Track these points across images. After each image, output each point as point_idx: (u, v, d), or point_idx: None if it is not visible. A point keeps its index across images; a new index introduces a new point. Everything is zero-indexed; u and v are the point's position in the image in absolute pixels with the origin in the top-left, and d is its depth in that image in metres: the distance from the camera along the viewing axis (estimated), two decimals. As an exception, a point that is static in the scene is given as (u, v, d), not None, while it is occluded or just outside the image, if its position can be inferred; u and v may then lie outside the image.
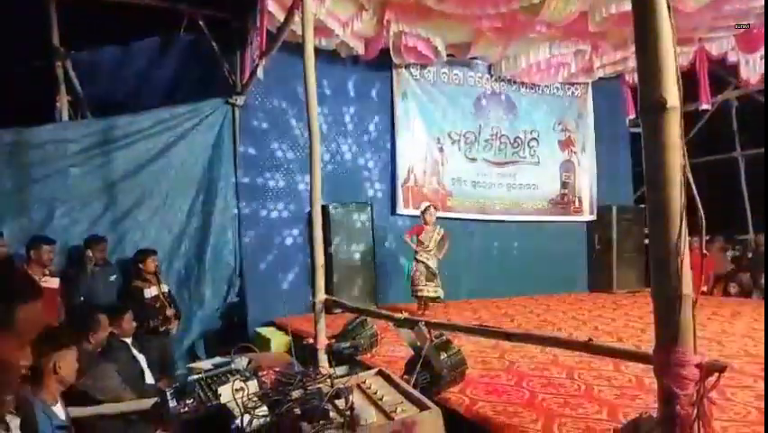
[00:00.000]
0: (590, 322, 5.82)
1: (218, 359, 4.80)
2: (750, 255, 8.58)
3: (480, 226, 8.22)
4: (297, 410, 1.92)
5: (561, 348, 2.14)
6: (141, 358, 4.59)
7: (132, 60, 6.62)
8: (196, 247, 6.70)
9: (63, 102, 6.20)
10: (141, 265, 5.56)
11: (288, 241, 7.23)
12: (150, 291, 5.52)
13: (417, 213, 7.15)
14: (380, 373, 2.24)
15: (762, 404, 2.59)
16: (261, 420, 1.98)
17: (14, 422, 2.16)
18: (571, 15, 5.96)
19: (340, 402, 1.96)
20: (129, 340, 4.53)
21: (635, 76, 7.09)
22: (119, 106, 6.51)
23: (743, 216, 8.93)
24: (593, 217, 8.91)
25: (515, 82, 8.29)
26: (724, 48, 7.31)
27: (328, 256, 6.60)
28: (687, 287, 1.33)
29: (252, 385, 2.23)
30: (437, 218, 6.73)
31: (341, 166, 7.41)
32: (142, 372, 4.52)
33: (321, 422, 1.78)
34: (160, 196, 6.51)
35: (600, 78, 8.45)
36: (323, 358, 4.08)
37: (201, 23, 6.56)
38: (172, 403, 2.46)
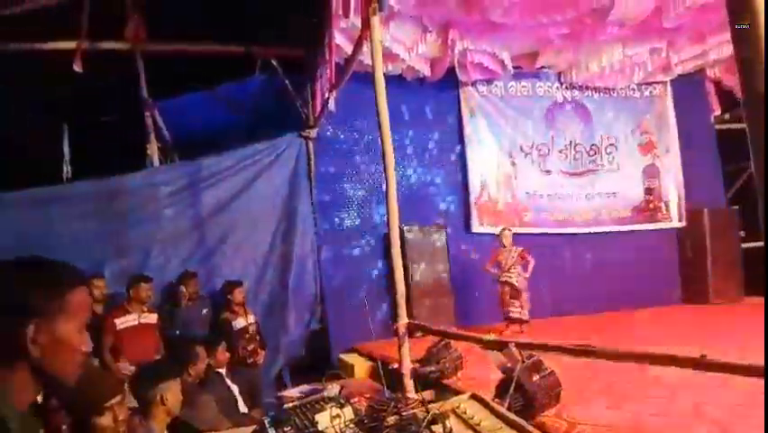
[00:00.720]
0: (688, 336, 5.44)
1: (305, 387, 4.94)
2: None
3: (559, 240, 7.96)
4: (395, 437, 1.92)
5: (667, 366, 2.01)
6: (235, 388, 4.76)
7: (212, 104, 7.03)
8: (279, 277, 6.92)
9: (153, 148, 6.66)
10: (229, 297, 5.78)
11: (367, 268, 7.32)
12: (239, 323, 5.72)
13: (492, 231, 7.06)
14: (474, 397, 2.20)
15: None
16: (361, 447, 2.00)
17: (131, 450, 2.31)
18: (643, 14, 5.73)
19: (437, 428, 1.95)
20: (223, 371, 4.72)
21: (717, 69, 6.71)
22: (202, 148, 6.91)
23: None
24: (682, 224, 8.40)
25: (587, 88, 8.04)
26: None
27: (406, 279, 6.63)
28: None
29: (348, 412, 2.25)
30: (514, 234, 6.61)
31: (411, 188, 7.46)
32: (236, 401, 4.69)
33: (420, 449, 1.77)
34: (243, 230, 6.79)
35: (680, 76, 8.01)
36: (408, 383, 4.07)
37: (274, 62, 6.88)
38: (271, 431, 2.53)
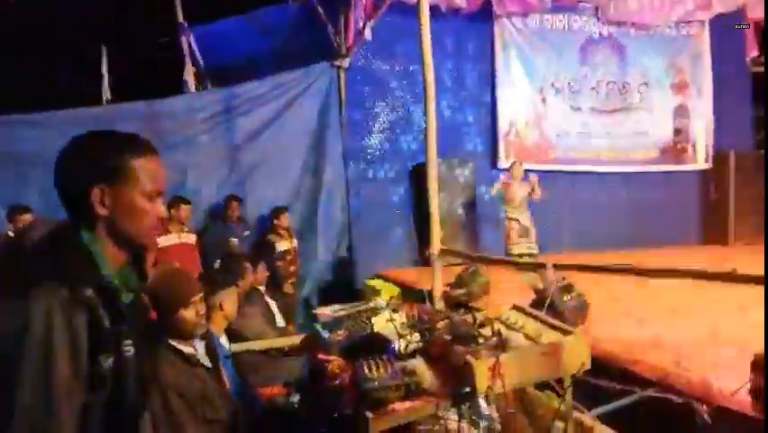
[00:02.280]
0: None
1: (337, 306, 5.27)
2: None
3: (585, 178, 8.04)
4: (448, 336, 2.17)
5: (702, 280, 2.20)
6: (273, 304, 5.10)
7: (246, 31, 7.04)
8: (309, 205, 7.15)
9: (189, 74, 6.74)
10: (276, 221, 6.13)
11: (395, 198, 7.52)
12: (282, 245, 6.06)
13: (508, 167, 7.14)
14: (515, 307, 2.43)
15: None
16: (415, 345, 2.25)
17: (200, 346, 2.60)
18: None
19: (485, 331, 2.19)
20: (262, 288, 5.05)
21: (759, 10, 6.58)
22: (236, 75, 6.98)
23: None
24: (708, 165, 8.42)
25: (623, 24, 7.88)
26: None
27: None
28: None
29: (399, 317, 2.51)
30: (535, 172, 6.70)
31: (441, 122, 7.48)
32: (274, 316, 5.05)
33: (473, 345, 2.01)
34: (276, 158, 6.97)
35: (719, 15, 7.81)
36: (439, 305, 4.35)
37: (308, -14, 6.82)
38: (325, 334, 2.82)
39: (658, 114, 8.25)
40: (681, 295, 3.80)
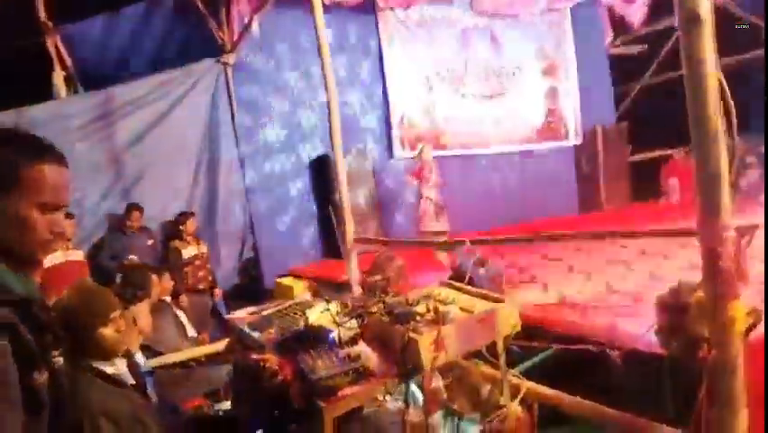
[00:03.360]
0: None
1: (251, 308, 5.15)
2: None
3: (473, 160, 8.48)
4: (386, 318, 2.23)
5: (610, 238, 2.45)
6: (181, 314, 4.88)
7: (119, 28, 6.58)
8: (206, 209, 6.87)
9: (59, 78, 6.18)
10: (181, 227, 5.89)
11: (293, 192, 7.42)
12: (189, 251, 5.82)
13: (413, 154, 7.36)
14: (443, 284, 2.55)
15: None
16: (353, 332, 2.29)
17: (122, 364, 2.45)
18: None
19: (420, 308, 2.28)
20: (168, 298, 4.81)
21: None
22: (110, 77, 6.50)
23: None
24: (579, 141, 9.24)
25: (496, 15, 8.38)
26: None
27: (333, 203, 6.83)
28: (723, 168, 1.63)
29: (333, 307, 2.52)
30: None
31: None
32: (184, 327, 4.83)
33: (412, 323, 2.09)
34: (164, 162, 6.59)
35: (578, 3, 8.58)
36: (358, 292, 4.41)
37: (184, -18, 6.50)
38: (255, 334, 2.76)
39: (531, 96, 8.91)
40: (575, 259, 4.17)
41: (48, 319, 1.18)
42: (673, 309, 1.84)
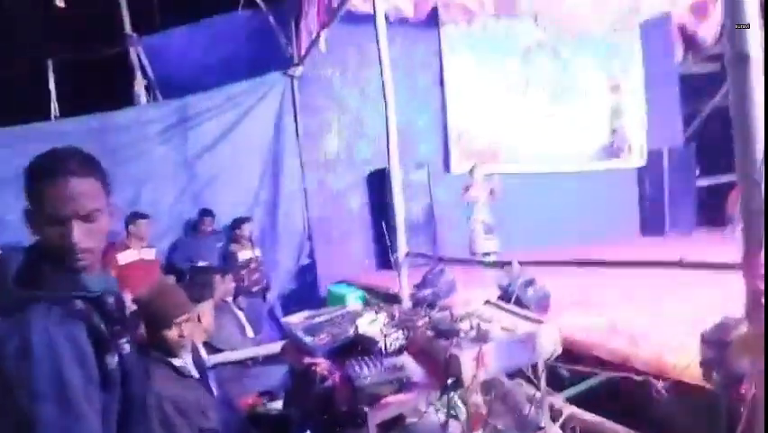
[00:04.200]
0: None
1: (307, 312, 5.36)
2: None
3: (533, 178, 8.39)
4: (430, 333, 2.33)
5: (652, 268, 2.46)
6: (241, 315, 5.14)
7: (196, 41, 7.01)
8: (268, 215, 7.17)
9: (139, 86, 6.65)
10: (237, 231, 6.19)
11: (352, 203, 7.64)
12: (244, 255, 6.11)
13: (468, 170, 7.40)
14: (488, 303, 2.63)
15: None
16: (399, 343, 2.41)
17: (188, 358, 2.66)
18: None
19: (463, 324, 2.37)
20: (230, 299, 5.08)
21: (684, 15, 7.10)
22: (187, 87, 6.94)
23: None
24: (643, 162, 8.99)
25: (562, 30, 8.30)
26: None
27: (388, 215, 6.97)
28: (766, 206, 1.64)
29: (381, 317, 2.65)
30: (490, 174, 7.01)
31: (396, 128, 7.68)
32: (244, 327, 5.09)
33: (455, 339, 2.18)
34: (232, 169, 6.94)
35: (646, 20, 8.37)
36: (407, 306, 4.52)
37: (258, -2, 6.88)
38: (308, 339, 2.92)
39: (595, 115, 8.75)
40: (632, 283, 4.12)
41: (118, 312, 1.36)
42: (716, 344, 1.85)
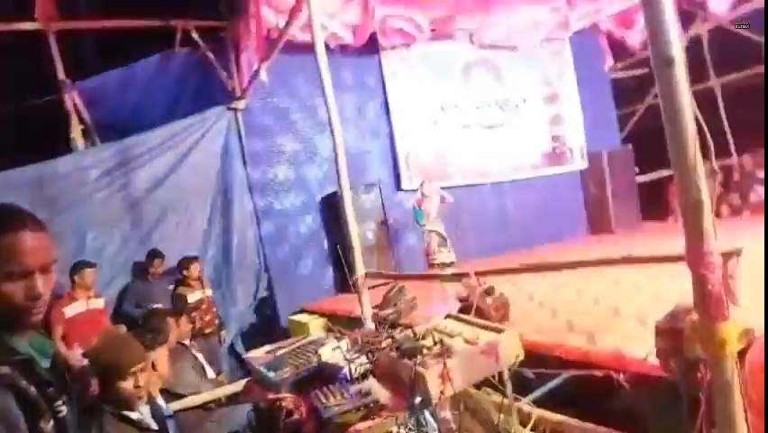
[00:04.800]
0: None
1: (268, 346, 5.23)
2: (736, 178, 9.06)
3: (481, 190, 8.58)
4: (394, 353, 2.31)
5: (600, 267, 2.53)
6: (200, 356, 4.98)
7: (133, 82, 6.88)
8: (222, 250, 7.05)
9: (77, 131, 6.46)
10: (185, 272, 5.95)
11: (305, 230, 7.57)
12: (194, 296, 5.91)
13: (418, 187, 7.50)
14: (449, 316, 2.63)
15: None
16: (364, 367, 2.37)
17: (146, 409, 2.55)
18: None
19: (427, 342, 2.36)
20: (187, 341, 4.91)
21: (610, 23, 7.48)
22: (126, 129, 6.77)
23: (724, 141, 9.35)
24: (586, 165, 9.32)
25: (497, 47, 8.60)
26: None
27: (343, 238, 6.94)
28: (705, 195, 1.72)
29: (344, 344, 2.61)
30: (441, 188, 7.15)
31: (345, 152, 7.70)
32: (203, 368, 4.92)
33: (419, 357, 2.16)
34: (180, 207, 6.83)
35: (576, 32, 8.76)
36: (370, 327, 4.48)
37: (194, 35, 6.82)
38: (271, 375, 2.84)
39: (536, 124, 9.05)
40: (583, 283, 4.22)
41: (53, 372, 1.29)
42: (670, 333, 1.90)
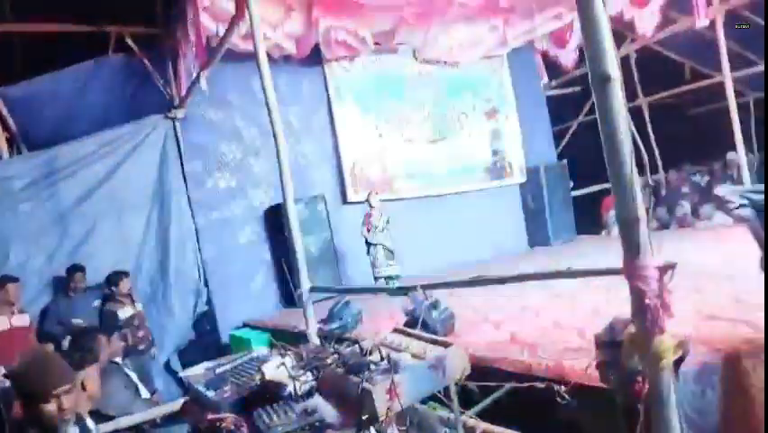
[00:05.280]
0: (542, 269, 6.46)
1: (208, 363, 5.05)
2: (664, 192, 9.59)
3: (424, 203, 8.63)
4: (340, 370, 2.27)
5: (542, 280, 2.59)
6: (133, 375, 4.74)
7: (64, 88, 6.53)
8: (158, 263, 6.78)
9: (1, 140, 6.08)
10: (114, 288, 5.69)
11: (245, 242, 7.39)
12: (125, 312, 5.67)
13: (365, 199, 7.51)
14: (396, 330, 2.62)
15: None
16: (309, 384, 2.31)
17: (74, 431, 2.39)
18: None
19: (374, 357, 2.33)
20: (119, 359, 4.67)
21: (544, 42, 7.80)
22: (56, 137, 6.42)
23: (651, 156, 9.89)
24: (524, 179, 9.60)
25: (438, 62, 8.75)
26: (619, 7, 7.90)
27: (288, 251, 6.82)
28: (641, 211, 1.79)
29: (289, 361, 2.54)
30: (385, 201, 7.17)
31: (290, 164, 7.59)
32: (137, 388, 4.69)
33: (366, 373, 2.13)
34: (112, 219, 6.54)
35: (514, 49, 9.05)
36: (315, 341, 4.40)
37: (129, 41, 6.56)
38: (210, 394, 2.73)
39: (477, 139, 9.24)
40: (525, 295, 4.32)
41: None
42: (608, 345, 1.96)
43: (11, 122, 6.32)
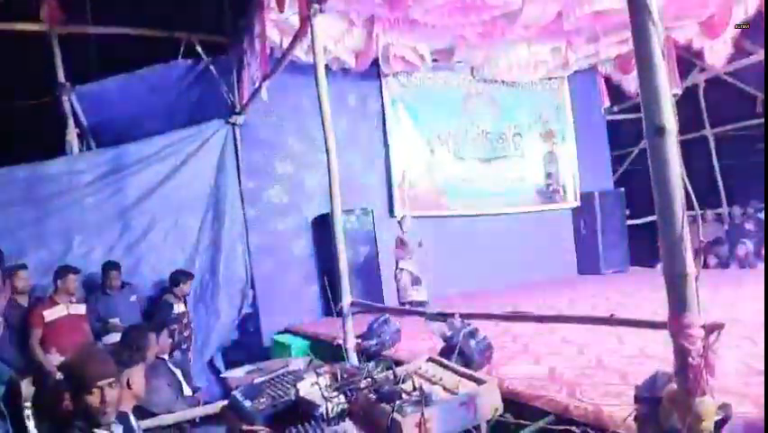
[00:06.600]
0: (587, 301, 6.27)
1: (248, 366, 5.17)
2: (726, 228, 9.15)
3: (473, 222, 8.58)
4: (372, 396, 2.28)
5: (583, 324, 2.53)
6: (178, 372, 4.90)
7: (133, 89, 6.86)
8: (209, 263, 6.98)
9: (72, 135, 6.44)
10: (175, 288, 6.00)
11: (296, 251, 7.54)
12: (179, 307, 5.88)
13: (415, 214, 7.51)
14: (431, 360, 2.61)
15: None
16: (341, 407, 2.34)
17: (118, 428, 2.50)
18: (548, 18, 6.38)
19: (406, 386, 2.34)
20: (165, 356, 4.84)
21: (608, 66, 7.62)
22: (123, 135, 6.75)
23: (716, 190, 9.48)
24: (577, 204, 9.38)
25: (496, 81, 8.70)
26: (688, 35, 7.71)
27: (332, 261, 6.91)
28: (690, 267, 1.73)
29: (323, 380, 2.58)
30: (432, 217, 7.16)
31: (339, 175, 7.70)
32: (181, 385, 4.84)
33: (397, 402, 2.14)
34: (170, 217, 6.77)
35: (575, 72, 8.89)
36: (352, 356, 4.44)
37: (198, 47, 6.85)
38: (247, 403, 2.81)
39: (531, 160, 9.12)
40: (569, 329, 4.22)
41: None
42: (648, 401, 1.90)
43: (83, 118, 6.66)
